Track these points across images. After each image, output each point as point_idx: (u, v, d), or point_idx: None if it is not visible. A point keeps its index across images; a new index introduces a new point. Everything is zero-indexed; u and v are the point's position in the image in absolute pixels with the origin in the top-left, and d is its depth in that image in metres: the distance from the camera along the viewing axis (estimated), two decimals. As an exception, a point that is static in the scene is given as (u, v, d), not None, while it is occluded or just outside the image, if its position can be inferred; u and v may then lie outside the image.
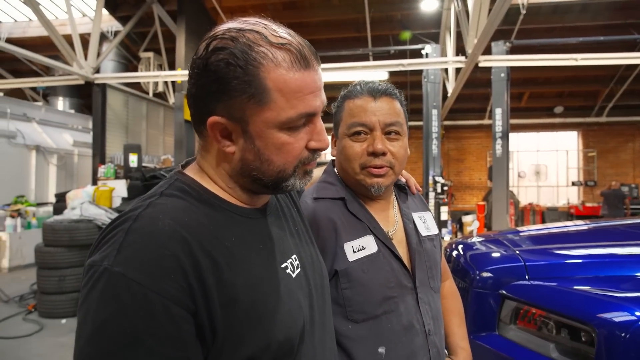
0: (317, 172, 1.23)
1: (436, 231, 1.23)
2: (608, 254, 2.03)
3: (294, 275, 0.79)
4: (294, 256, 0.82)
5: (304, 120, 0.72)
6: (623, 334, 1.38)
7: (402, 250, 1.11)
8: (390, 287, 1.05)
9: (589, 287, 1.68)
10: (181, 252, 0.62)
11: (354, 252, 1.05)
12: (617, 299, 1.53)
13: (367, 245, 1.07)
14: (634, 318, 1.40)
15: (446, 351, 1.22)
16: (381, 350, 1.02)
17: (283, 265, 0.77)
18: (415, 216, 1.20)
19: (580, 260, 1.99)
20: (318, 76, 0.73)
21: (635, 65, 10.87)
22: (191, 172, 0.77)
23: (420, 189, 1.33)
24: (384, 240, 1.09)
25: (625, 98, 12.97)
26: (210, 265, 0.65)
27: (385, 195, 1.17)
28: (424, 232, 1.18)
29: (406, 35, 9.73)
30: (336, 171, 1.20)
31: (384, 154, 1.07)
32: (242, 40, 0.67)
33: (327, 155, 1.28)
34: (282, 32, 0.70)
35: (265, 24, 0.70)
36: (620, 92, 12.65)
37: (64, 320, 4.60)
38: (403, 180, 1.28)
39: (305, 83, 0.70)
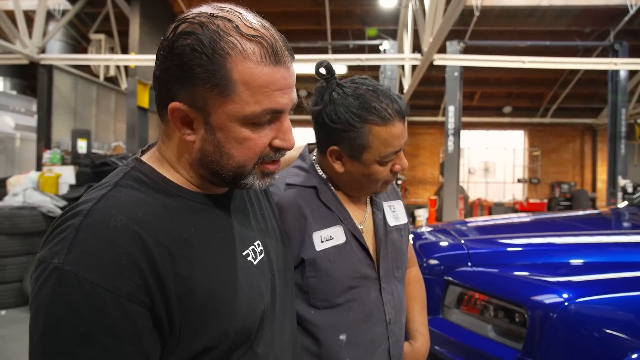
0: (294, 153, 1.21)
1: (405, 220, 1.24)
2: (546, 243, 2.19)
3: (255, 262, 0.78)
4: (257, 242, 0.81)
5: (270, 117, 0.70)
6: (551, 314, 1.50)
7: (369, 241, 1.13)
8: (355, 277, 1.07)
9: (527, 273, 1.80)
10: (135, 249, 0.61)
11: (322, 241, 1.05)
12: (548, 283, 1.65)
13: (336, 235, 1.08)
14: (561, 299, 1.53)
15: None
16: (342, 337, 1.05)
17: (244, 253, 0.77)
18: (385, 205, 1.21)
19: (520, 249, 2.13)
20: (289, 73, 0.70)
21: (577, 71, 11.53)
22: (150, 159, 0.75)
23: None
24: (353, 231, 1.10)
25: (567, 101, 13.76)
26: (166, 259, 0.64)
27: None
28: (392, 222, 1.19)
29: (372, 31, 9.85)
30: (313, 158, 1.16)
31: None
32: (212, 27, 0.64)
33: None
34: (256, 24, 0.68)
35: (240, 13, 0.67)
36: (563, 95, 13.41)
37: (3, 312, 4.37)
38: None
39: (273, 79, 0.67)
